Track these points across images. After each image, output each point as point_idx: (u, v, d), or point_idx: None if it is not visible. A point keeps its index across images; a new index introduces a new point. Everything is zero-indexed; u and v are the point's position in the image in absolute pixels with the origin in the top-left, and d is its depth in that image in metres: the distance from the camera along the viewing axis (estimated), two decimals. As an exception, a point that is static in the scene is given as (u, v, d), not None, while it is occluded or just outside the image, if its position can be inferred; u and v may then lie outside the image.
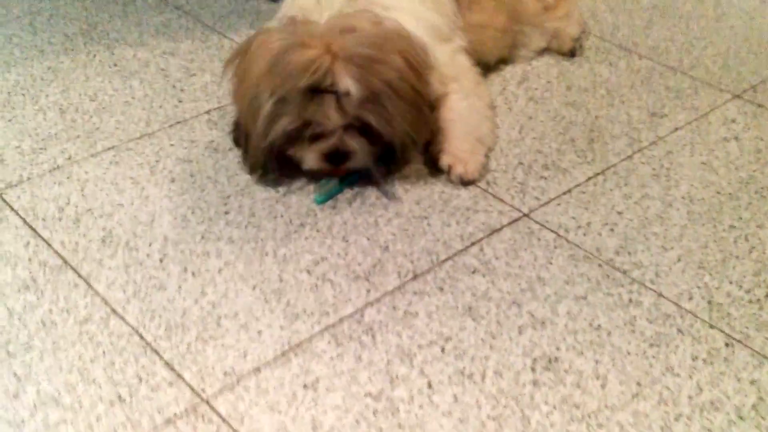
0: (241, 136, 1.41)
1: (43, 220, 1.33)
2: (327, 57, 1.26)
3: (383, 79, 1.29)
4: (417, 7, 1.49)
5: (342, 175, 1.40)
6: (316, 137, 1.33)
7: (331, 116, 1.29)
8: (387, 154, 1.38)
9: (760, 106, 1.62)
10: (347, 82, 1.26)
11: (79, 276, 1.23)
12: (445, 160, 1.42)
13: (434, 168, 1.44)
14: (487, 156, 1.47)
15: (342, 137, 1.32)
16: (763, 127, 1.56)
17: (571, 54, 1.79)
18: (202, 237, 1.30)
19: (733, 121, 1.58)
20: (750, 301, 1.22)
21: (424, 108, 1.38)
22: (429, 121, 1.42)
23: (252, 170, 1.41)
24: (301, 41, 1.28)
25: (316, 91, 1.28)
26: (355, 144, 1.33)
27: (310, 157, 1.35)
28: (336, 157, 1.35)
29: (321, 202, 1.38)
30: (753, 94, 1.66)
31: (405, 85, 1.32)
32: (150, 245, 1.29)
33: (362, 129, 1.33)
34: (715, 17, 1.92)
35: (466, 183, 1.42)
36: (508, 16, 1.70)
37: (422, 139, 1.42)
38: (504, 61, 1.74)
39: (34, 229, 1.31)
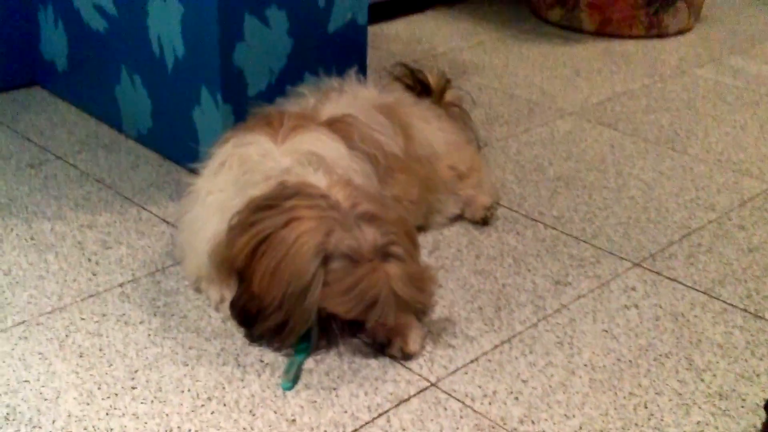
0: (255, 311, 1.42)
1: (-56, 398, 1.31)
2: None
3: None
4: (350, 173, 1.54)
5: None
6: None
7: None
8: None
9: (658, 274, 1.70)
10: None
11: (-23, 457, 1.21)
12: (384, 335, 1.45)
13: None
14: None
15: None
16: (662, 295, 1.63)
17: (484, 222, 1.86)
18: (107, 413, 1.29)
19: (633, 288, 1.65)
20: (649, 469, 1.24)
21: None
22: None
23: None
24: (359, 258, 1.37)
25: None
26: None
27: None
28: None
29: (289, 387, 1.37)
30: (652, 263, 1.73)
31: None
32: (53, 422, 1.27)
33: None
34: (616, 188, 2.02)
35: (407, 357, 1.44)
36: (421, 188, 1.77)
37: None
38: (419, 228, 1.80)
39: (-67, 408, 1.29)
